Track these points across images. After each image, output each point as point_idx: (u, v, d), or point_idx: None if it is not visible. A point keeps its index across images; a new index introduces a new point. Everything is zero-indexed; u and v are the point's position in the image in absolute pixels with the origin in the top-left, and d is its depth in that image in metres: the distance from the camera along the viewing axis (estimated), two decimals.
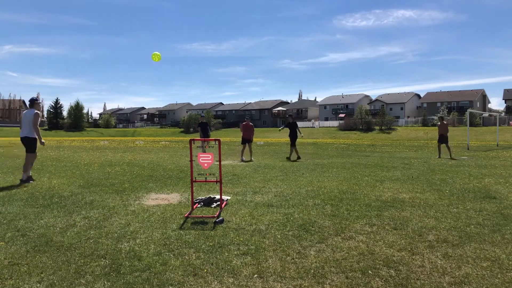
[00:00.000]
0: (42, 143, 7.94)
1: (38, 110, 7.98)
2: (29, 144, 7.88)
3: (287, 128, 14.36)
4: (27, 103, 8.46)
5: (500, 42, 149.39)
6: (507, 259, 3.37)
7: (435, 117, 61.72)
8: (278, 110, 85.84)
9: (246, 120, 14.22)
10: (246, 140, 13.87)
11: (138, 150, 19.97)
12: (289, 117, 14.65)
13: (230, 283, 2.90)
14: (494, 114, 48.11)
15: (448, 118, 58.94)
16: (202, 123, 15.92)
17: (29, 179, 7.73)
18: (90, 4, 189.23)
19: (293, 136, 14.07)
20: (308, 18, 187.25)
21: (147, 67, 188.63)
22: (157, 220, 4.69)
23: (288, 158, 13.91)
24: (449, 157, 14.94)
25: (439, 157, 15.22)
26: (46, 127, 79.84)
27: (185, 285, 2.87)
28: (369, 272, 3.09)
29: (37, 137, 7.87)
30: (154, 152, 18.45)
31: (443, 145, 15.59)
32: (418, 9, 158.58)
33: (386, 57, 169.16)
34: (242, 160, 13.15)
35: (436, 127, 18.74)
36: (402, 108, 72.78)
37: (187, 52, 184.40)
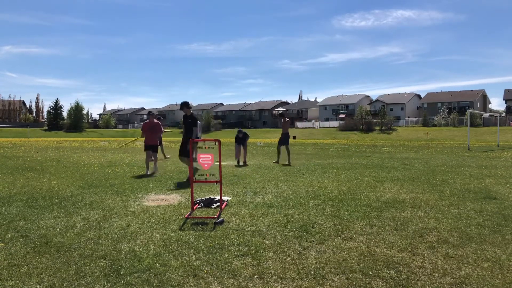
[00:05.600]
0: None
1: (200, 121, 11.20)
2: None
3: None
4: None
5: (500, 42, 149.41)
6: (508, 260, 3.36)
7: (436, 118, 61.67)
8: (278, 111, 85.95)
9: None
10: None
11: (138, 151, 19.96)
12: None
13: (230, 284, 2.89)
14: (495, 114, 48.12)
15: (446, 117, 58.87)
16: (241, 136, 12.58)
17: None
18: (90, 4, 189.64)
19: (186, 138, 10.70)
20: (308, 18, 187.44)
21: (147, 67, 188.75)
22: (157, 221, 4.68)
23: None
24: (287, 162, 11.81)
25: (278, 161, 12.25)
26: (46, 128, 79.75)
27: (185, 286, 2.86)
28: (370, 273, 3.08)
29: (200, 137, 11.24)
30: None
31: (282, 148, 12.51)
32: (418, 9, 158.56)
33: (386, 57, 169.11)
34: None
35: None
36: (402, 109, 72.80)
37: (186, 53, 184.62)
